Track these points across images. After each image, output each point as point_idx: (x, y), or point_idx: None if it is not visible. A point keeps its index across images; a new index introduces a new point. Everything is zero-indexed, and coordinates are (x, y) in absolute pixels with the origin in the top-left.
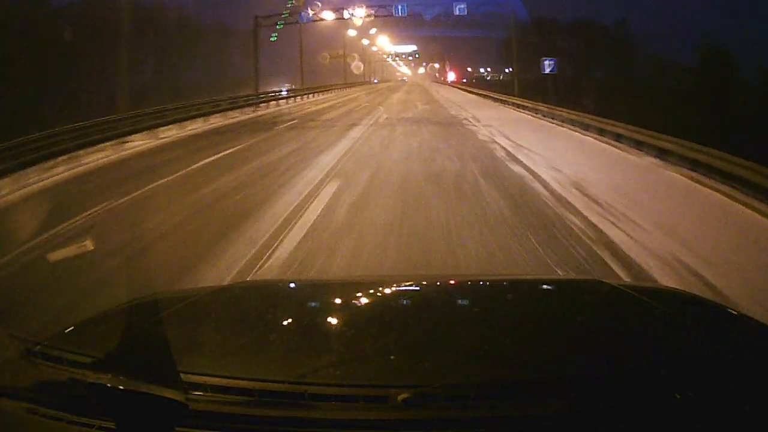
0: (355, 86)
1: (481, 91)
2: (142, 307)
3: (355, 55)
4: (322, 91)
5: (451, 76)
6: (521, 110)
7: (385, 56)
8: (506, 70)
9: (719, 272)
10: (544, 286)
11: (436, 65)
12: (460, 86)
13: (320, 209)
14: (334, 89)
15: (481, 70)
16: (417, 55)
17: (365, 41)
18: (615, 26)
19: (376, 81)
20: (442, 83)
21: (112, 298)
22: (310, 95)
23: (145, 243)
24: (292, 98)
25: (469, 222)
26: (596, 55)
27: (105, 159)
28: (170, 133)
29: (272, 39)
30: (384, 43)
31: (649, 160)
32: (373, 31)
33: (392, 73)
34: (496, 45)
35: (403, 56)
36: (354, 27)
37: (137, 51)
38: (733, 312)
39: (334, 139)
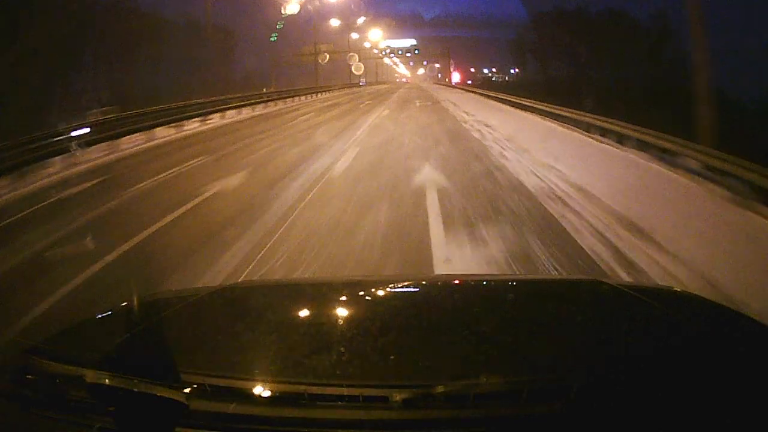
0: (326, 92)
1: (526, 102)
2: (142, 307)
3: (355, 54)
4: (254, 104)
5: (456, 77)
6: None
7: (380, 53)
8: (512, 71)
9: None
10: (544, 287)
11: (437, 65)
12: (472, 90)
13: None
14: (281, 99)
15: (485, 70)
16: (417, 51)
17: (354, 35)
18: (652, 19)
19: (362, 83)
20: (446, 85)
21: None
22: (230, 110)
23: None
24: (171, 125)
25: None
26: (628, 53)
27: None
28: None
29: (272, 39)
30: (378, 39)
31: None
32: (361, 20)
33: (390, 74)
34: (499, 44)
35: (400, 52)
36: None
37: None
38: (733, 312)
39: None
